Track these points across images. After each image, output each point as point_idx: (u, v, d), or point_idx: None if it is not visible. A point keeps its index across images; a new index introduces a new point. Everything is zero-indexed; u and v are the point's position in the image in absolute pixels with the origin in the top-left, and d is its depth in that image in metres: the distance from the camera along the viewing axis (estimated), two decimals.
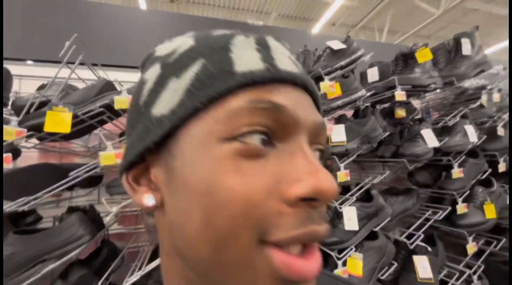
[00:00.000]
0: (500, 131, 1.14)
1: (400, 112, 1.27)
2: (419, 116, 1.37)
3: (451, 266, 1.05)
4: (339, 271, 0.80)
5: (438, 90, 1.29)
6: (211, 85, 0.18)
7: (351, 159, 0.87)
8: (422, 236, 0.93)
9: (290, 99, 0.18)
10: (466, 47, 1.14)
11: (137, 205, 0.21)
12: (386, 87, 1.06)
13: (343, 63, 0.94)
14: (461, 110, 1.14)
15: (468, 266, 1.04)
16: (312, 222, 0.17)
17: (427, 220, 1.07)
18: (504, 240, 1.08)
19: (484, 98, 1.21)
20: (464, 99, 1.26)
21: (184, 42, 0.21)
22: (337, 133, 0.87)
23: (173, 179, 0.19)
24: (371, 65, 1.26)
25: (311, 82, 0.21)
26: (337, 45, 0.94)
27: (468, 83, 1.23)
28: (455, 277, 0.99)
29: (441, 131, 1.12)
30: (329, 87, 0.87)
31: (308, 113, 0.19)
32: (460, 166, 1.05)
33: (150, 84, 0.20)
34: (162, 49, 0.22)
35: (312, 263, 0.16)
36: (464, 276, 0.99)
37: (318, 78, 0.90)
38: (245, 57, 0.18)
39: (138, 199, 0.21)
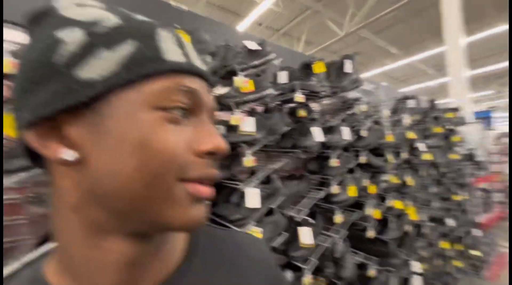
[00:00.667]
0: (364, 133, 1.54)
1: (302, 112, 1.52)
2: (315, 116, 1.68)
3: (325, 233, 1.36)
4: None
5: (328, 98, 1.62)
6: (147, 65, 0.23)
7: (257, 147, 1.01)
8: (307, 210, 1.18)
9: (200, 87, 0.26)
10: (348, 67, 1.47)
11: (53, 160, 0.23)
12: (290, 90, 1.26)
13: (257, 62, 1.06)
14: (341, 115, 1.47)
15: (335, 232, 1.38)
16: (212, 168, 0.26)
17: (313, 199, 1.36)
18: (360, 212, 1.49)
19: (357, 108, 1.61)
20: (345, 106, 1.63)
21: (106, 16, 0.23)
22: (248, 125, 0.98)
23: (103, 135, 0.22)
24: (281, 69, 1.46)
25: (209, 75, 0.29)
26: (252, 45, 1.05)
27: (351, 95, 1.60)
28: (328, 241, 1.31)
29: (327, 130, 1.42)
30: (242, 82, 0.97)
31: (208, 98, 0.27)
32: (337, 157, 1.37)
33: (73, 47, 0.22)
34: (75, 13, 0.23)
35: (209, 190, 0.26)
36: (332, 240, 1.32)
37: (233, 73, 0.99)
38: (172, 50, 0.25)
39: (52, 154, 0.23)
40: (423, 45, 9.28)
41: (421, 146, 2.17)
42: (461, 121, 3.04)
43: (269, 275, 0.35)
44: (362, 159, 1.53)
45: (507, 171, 5.76)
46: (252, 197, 0.98)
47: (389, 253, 1.62)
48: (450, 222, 2.56)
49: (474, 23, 7.86)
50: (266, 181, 1.10)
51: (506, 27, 7.75)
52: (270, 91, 1.05)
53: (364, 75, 11.83)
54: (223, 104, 0.99)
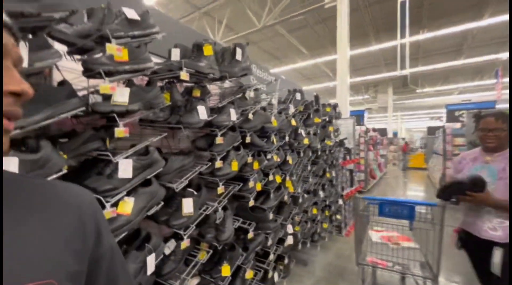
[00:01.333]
0: (250, 116, 1.75)
1: (195, 92, 1.59)
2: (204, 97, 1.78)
3: (209, 203, 1.51)
4: (107, 212, 0.93)
5: (228, 82, 1.74)
6: None
7: (130, 119, 1.02)
8: (187, 182, 1.28)
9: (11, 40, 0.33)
10: (238, 54, 1.62)
11: None
12: (178, 67, 1.29)
13: (136, 33, 1.04)
14: (230, 98, 1.63)
15: (219, 202, 1.56)
16: (17, 105, 0.32)
17: (201, 173, 1.48)
18: (241, 184, 1.72)
19: (247, 94, 1.80)
20: (238, 91, 1.79)
21: None
22: (120, 94, 0.97)
23: None
24: (175, 46, 1.46)
25: (14, 27, 0.34)
26: (131, 14, 1.02)
27: (247, 82, 1.75)
28: (209, 209, 1.46)
29: (216, 110, 1.55)
30: (115, 50, 0.95)
31: (12, 47, 0.33)
32: (222, 135, 1.52)
33: None
34: None
35: (12, 124, 0.32)
36: (213, 208, 1.48)
37: (107, 39, 0.94)
38: None
39: None
40: (326, 50, 10.89)
41: (302, 132, 2.64)
42: (338, 116, 3.82)
43: (84, 217, 0.40)
44: (248, 139, 1.75)
45: (367, 157, 7.68)
46: (124, 168, 0.99)
47: (266, 219, 1.94)
48: (321, 194, 3.24)
49: (360, 39, 9.81)
50: (145, 153, 1.12)
51: (384, 45, 9.91)
52: (151, 65, 1.06)
53: (278, 69, 12.84)
54: (92, 70, 0.94)
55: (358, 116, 7.15)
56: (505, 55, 10.32)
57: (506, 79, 11.66)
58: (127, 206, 1.01)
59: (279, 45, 10.71)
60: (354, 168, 5.50)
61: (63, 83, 0.88)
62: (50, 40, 0.89)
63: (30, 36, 0.77)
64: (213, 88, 1.98)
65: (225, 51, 1.65)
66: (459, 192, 1.52)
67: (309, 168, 2.88)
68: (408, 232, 2.37)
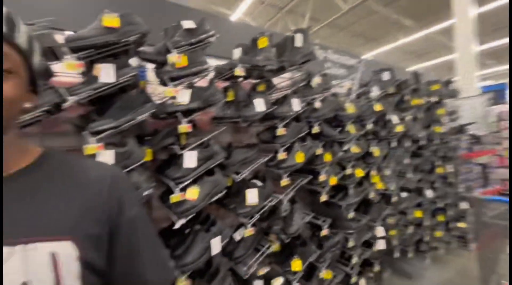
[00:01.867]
0: (317, 104, 1.63)
1: (259, 87, 1.63)
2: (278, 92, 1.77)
3: (275, 195, 1.51)
4: (176, 196, 1.11)
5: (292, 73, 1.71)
6: None
7: (194, 116, 1.16)
8: (248, 173, 1.33)
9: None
10: (298, 41, 1.54)
11: None
12: (234, 64, 1.37)
13: (193, 40, 1.18)
14: (292, 87, 1.57)
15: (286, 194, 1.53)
16: None
17: (268, 166, 1.51)
18: (311, 177, 1.62)
19: (313, 81, 1.68)
20: (301, 80, 1.70)
21: None
22: (182, 96, 1.13)
23: None
24: (237, 46, 1.56)
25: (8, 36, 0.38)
26: (188, 25, 1.17)
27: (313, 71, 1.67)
28: (274, 201, 1.46)
29: (276, 102, 1.53)
30: (176, 58, 1.11)
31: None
32: (285, 126, 1.49)
33: None
34: None
35: None
36: (278, 200, 1.47)
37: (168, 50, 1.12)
38: None
39: None
40: (438, 16, 8.59)
41: (393, 118, 2.20)
42: (453, 94, 2.96)
43: (105, 189, 0.46)
44: (316, 129, 1.63)
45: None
46: (189, 158, 1.15)
47: (343, 217, 1.75)
48: (429, 193, 2.60)
49: None
50: (207, 146, 1.26)
51: None
52: (203, 66, 1.17)
53: (376, 51, 11.25)
54: (161, 79, 1.14)
55: (497, 93, 5.21)
56: None
57: None
58: (193, 192, 1.16)
59: (373, 24, 9.35)
60: (490, 162, 4.08)
61: (142, 92, 1.11)
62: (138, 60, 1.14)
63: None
64: (283, 80, 1.96)
65: (286, 40, 1.60)
66: None
67: (407, 161, 2.36)
68: None
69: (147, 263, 0.49)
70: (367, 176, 1.99)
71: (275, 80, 1.83)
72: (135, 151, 1.04)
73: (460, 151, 3.14)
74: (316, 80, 1.64)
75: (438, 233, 2.74)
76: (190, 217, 1.13)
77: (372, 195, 2.01)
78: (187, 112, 1.15)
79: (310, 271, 1.75)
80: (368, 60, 2.87)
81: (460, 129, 3.08)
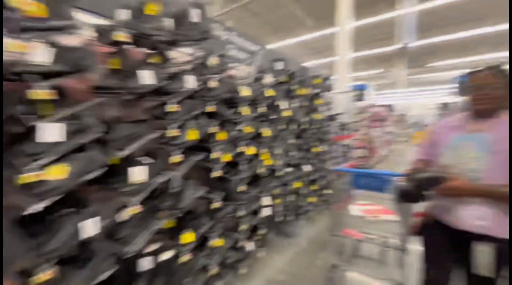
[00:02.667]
0: (212, 84, 1.67)
1: (151, 58, 1.51)
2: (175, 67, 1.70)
3: (167, 172, 1.50)
4: (31, 175, 0.93)
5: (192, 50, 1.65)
6: None
7: (53, 81, 0.97)
8: (133, 150, 1.26)
9: None
10: (196, 15, 1.51)
11: None
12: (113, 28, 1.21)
13: None
14: (185, 66, 1.54)
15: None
16: None
17: (161, 142, 1.45)
18: (204, 154, 1.70)
19: (210, 61, 1.70)
20: (199, 58, 1.69)
21: None
22: (40, 53, 0.92)
23: None
24: (123, 7, 1.37)
25: None
26: None
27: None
28: (163, 178, 1.45)
29: (170, 77, 1.48)
30: (29, 4, 0.88)
31: None
32: (179, 103, 1.47)
33: None
34: None
35: None
36: (168, 177, 1.48)
37: None
38: None
39: None
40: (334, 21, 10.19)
41: (282, 104, 2.54)
42: (328, 89, 3.65)
43: None
44: (210, 108, 1.69)
45: (372, 134, 7.47)
46: (49, 131, 0.97)
47: (235, 190, 1.94)
48: (307, 168, 3.21)
49: (370, 7, 9.07)
50: (78, 118, 1.09)
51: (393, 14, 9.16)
52: (67, 22, 0.98)
53: (283, 42, 12.25)
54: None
55: (360, 91, 6.83)
56: None
57: None
58: (59, 170, 1.00)
59: (282, 16, 10.11)
60: (352, 144, 5.39)
61: None
62: None
63: None
64: (181, 55, 1.89)
65: (183, 12, 1.53)
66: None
67: (292, 141, 2.81)
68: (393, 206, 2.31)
69: None
70: (257, 154, 2.25)
71: (173, 55, 1.74)
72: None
73: (331, 134, 3.98)
74: (213, 60, 1.66)
75: (312, 199, 3.45)
76: (54, 199, 0.98)
77: (261, 170, 2.30)
78: (47, 75, 0.95)
79: (203, 241, 1.88)
80: (268, 49, 3.12)
81: (332, 117, 3.89)
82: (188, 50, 1.73)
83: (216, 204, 1.81)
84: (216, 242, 1.86)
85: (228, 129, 1.85)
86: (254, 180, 2.34)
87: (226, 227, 2.11)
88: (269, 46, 3.18)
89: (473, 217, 1.15)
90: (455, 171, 1.18)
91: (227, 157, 1.86)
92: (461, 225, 1.19)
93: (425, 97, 28.22)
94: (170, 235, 1.66)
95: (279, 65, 2.50)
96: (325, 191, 3.82)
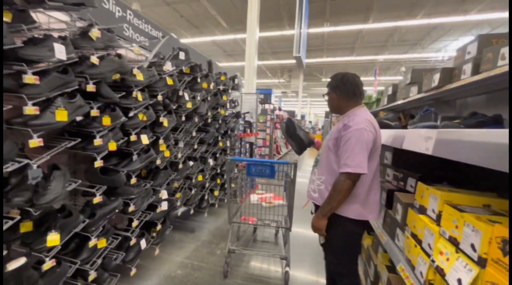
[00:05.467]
0: (94, 60, 1.46)
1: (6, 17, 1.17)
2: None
3: (19, 160, 1.20)
4: None
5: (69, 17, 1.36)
6: None
7: None
8: None
9: None
10: None
11: None
12: None
13: None
14: (54, 32, 1.28)
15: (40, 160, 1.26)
16: None
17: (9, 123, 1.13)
18: (78, 140, 1.46)
19: (92, 33, 1.48)
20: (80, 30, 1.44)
21: None
22: None
23: None
24: None
25: None
26: None
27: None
28: (18, 166, 1.15)
29: (29, 41, 1.19)
30: None
31: None
32: (38, 74, 1.20)
33: None
34: None
35: None
36: (22, 164, 1.18)
37: None
38: None
39: None
40: (245, 27, 10.78)
41: (185, 95, 2.49)
42: (236, 88, 3.84)
43: None
44: (90, 87, 1.46)
45: (274, 134, 8.36)
46: None
47: (122, 183, 1.75)
48: (211, 162, 3.26)
49: (276, 21, 10.15)
50: None
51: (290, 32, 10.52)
52: None
53: (197, 39, 11.97)
54: None
55: (266, 95, 7.57)
56: (381, 57, 12.86)
57: (382, 77, 14.67)
58: None
59: (197, 12, 9.90)
60: (256, 142, 5.85)
61: None
62: None
63: None
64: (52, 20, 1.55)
65: None
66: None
67: (194, 134, 2.79)
68: (283, 193, 2.63)
69: None
70: (155, 144, 2.11)
71: (40, 17, 1.42)
72: None
73: (237, 131, 4.20)
74: (95, 32, 1.45)
75: (216, 193, 3.53)
76: None
77: (158, 162, 2.17)
78: None
79: (80, 243, 1.60)
80: (172, 37, 2.99)
81: (238, 115, 4.11)
82: (62, 16, 1.45)
83: (97, 199, 1.58)
84: (97, 242, 1.62)
85: (116, 114, 1.65)
86: (151, 173, 2.19)
87: (113, 225, 1.88)
88: (182, 41, 3.05)
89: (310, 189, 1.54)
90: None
91: (113, 145, 1.66)
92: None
93: (319, 107, 33.98)
94: (30, 240, 1.33)
95: (181, 55, 2.44)
96: (231, 185, 3.98)
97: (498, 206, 0.87)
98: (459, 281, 0.73)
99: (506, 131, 0.56)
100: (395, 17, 9.10)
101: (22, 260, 1.18)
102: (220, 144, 3.46)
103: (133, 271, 1.99)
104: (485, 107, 1.54)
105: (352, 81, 1.42)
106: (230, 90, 3.68)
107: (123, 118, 1.71)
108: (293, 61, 14.39)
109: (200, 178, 2.96)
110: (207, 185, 3.20)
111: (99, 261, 1.66)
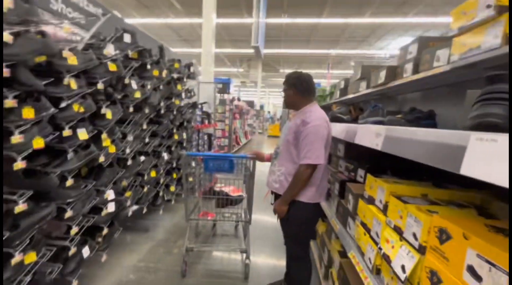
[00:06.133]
0: (7, 38, 1.17)
1: None
2: None
3: None
4: None
5: None
6: None
7: None
8: None
9: None
10: None
11: None
12: None
13: None
14: None
15: None
16: None
17: None
18: None
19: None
20: None
21: None
22: None
23: None
24: None
25: None
26: None
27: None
28: None
29: None
30: None
31: None
32: None
33: None
34: None
35: None
36: None
37: None
38: None
39: None
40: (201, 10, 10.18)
41: (133, 83, 2.23)
42: (191, 76, 3.61)
43: None
44: (4, 71, 1.18)
45: (233, 124, 8.27)
46: None
47: (54, 185, 1.50)
48: (166, 156, 3.05)
49: (235, 9, 9.82)
50: None
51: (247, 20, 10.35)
52: None
53: (146, 20, 10.93)
54: None
55: (225, 85, 7.37)
56: (334, 51, 13.62)
57: (334, 71, 15.64)
58: None
59: None
60: (215, 133, 5.70)
61: None
62: None
63: None
64: None
65: None
66: None
67: (145, 126, 2.55)
68: (243, 185, 2.59)
69: None
70: (96, 139, 1.85)
71: None
72: None
73: (194, 122, 4.00)
74: (6, 2, 1.15)
75: (172, 188, 3.34)
76: None
77: (102, 159, 1.92)
78: None
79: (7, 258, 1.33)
80: (116, 16, 2.63)
81: (194, 105, 3.91)
82: None
83: (20, 207, 1.31)
84: (20, 258, 1.37)
85: (41, 105, 1.37)
86: (93, 171, 1.93)
87: (46, 234, 1.62)
88: (130, 21, 2.67)
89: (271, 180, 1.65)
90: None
91: (39, 142, 1.39)
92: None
93: (277, 97, 34.75)
94: None
95: (126, 38, 2.16)
96: (189, 179, 3.81)
97: (434, 195, 0.96)
98: (403, 267, 0.79)
99: (444, 131, 0.59)
100: (346, 14, 9.65)
101: None
102: (176, 136, 3.25)
103: (75, 283, 1.76)
104: (421, 102, 1.72)
105: (308, 80, 1.56)
106: (185, 79, 3.45)
107: (52, 110, 1.44)
108: (252, 50, 14.31)
109: (153, 173, 2.74)
110: (161, 180, 3.00)
111: (28, 278, 1.41)
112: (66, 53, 1.51)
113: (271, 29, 11.29)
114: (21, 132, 1.28)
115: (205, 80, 5.27)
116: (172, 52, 4.01)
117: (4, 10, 1.19)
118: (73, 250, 1.71)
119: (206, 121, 4.76)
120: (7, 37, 1.18)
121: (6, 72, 1.19)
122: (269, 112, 21.81)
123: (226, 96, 7.85)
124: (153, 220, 3.12)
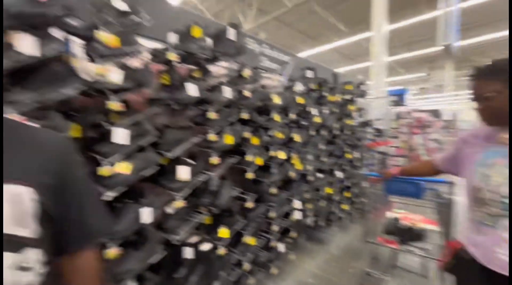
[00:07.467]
0: (246, 93, 1.84)
1: (195, 73, 1.75)
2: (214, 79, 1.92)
3: (207, 173, 1.69)
4: (105, 169, 1.17)
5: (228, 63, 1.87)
6: None
7: (123, 95, 1.22)
8: (180, 152, 1.47)
9: None
10: (232, 34, 1.71)
11: None
12: (167, 49, 1.45)
13: (124, 21, 1.22)
14: (226, 77, 1.74)
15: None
16: None
17: (200, 146, 1.66)
18: (239, 157, 1.86)
19: (245, 73, 1.88)
20: (235, 71, 1.89)
21: None
22: (114, 75, 1.18)
23: None
24: (172, 31, 1.63)
25: None
26: (119, 5, 1.20)
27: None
28: (205, 178, 1.64)
29: (210, 89, 1.69)
30: (107, 37, 1.14)
31: None
32: (217, 111, 1.66)
33: None
34: None
35: None
36: (209, 177, 1.66)
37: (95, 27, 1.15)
38: None
39: None
40: (368, 25, 9.92)
41: (313, 111, 2.61)
42: (362, 94, 3.61)
43: (59, 150, 0.54)
44: (244, 115, 1.85)
45: (414, 141, 6.99)
46: (118, 134, 1.22)
47: (266, 192, 2.06)
48: (339, 174, 3.19)
49: (410, 8, 8.64)
50: (139, 124, 1.34)
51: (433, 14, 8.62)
52: (135, 47, 1.23)
53: (317, 49, 12.21)
54: (89, 55, 1.16)
55: (398, 96, 6.50)
56: None
57: None
58: (125, 166, 1.24)
59: (314, 23, 10.16)
60: (388, 151, 5.15)
61: (66, 66, 1.11)
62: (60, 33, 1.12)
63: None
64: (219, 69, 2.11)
65: (220, 32, 1.75)
66: None
67: (322, 147, 2.85)
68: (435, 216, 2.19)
69: (93, 213, 0.61)
70: (288, 158, 2.35)
71: (212, 68, 1.97)
72: (60, 124, 1.06)
73: (366, 140, 3.89)
74: (246, 72, 1.84)
75: (345, 206, 3.40)
76: (120, 190, 1.22)
77: (292, 174, 2.39)
78: (118, 91, 1.21)
79: (237, 238, 2.02)
80: (299, 58, 3.24)
81: (366, 123, 3.81)
82: (225, 64, 1.94)
83: (249, 204, 1.95)
84: (249, 240, 1.99)
85: (260, 135, 1.99)
86: (286, 184, 2.44)
87: (258, 227, 2.23)
88: (301, 54, 3.28)
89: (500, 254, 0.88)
90: (486, 196, 0.93)
91: (259, 160, 2.00)
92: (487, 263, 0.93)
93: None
94: (208, 230, 1.83)
95: (309, 74, 2.60)
96: (358, 199, 3.72)
97: None
98: None
99: None
100: None
101: (208, 245, 1.65)
102: (348, 155, 3.33)
103: (273, 271, 2.26)
104: None
105: None
106: (356, 98, 3.49)
107: (266, 138, 2.03)
108: (436, 49, 11.65)
109: (329, 190, 2.97)
110: (335, 197, 3.16)
111: (251, 255, 2.02)
112: (273, 96, 2.09)
113: (468, 14, 8.70)
114: (251, 154, 1.92)
115: (377, 94, 4.99)
116: (341, 74, 4.22)
117: (245, 76, 1.88)
118: (273, 243, 2.23)
119: (378, 139, 4.44)
120: (248, 93, 1.86)
121: (246, 115, 1.87)
122: (465, 121, 16.13)
123: (401, 108, 6.89)
124: (327, 234, 3.31)
